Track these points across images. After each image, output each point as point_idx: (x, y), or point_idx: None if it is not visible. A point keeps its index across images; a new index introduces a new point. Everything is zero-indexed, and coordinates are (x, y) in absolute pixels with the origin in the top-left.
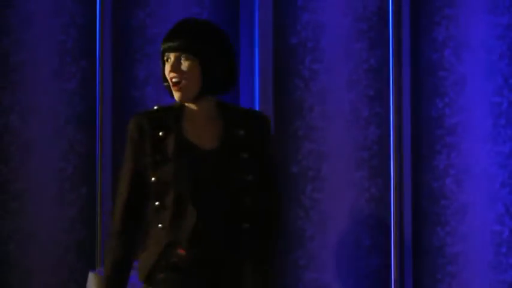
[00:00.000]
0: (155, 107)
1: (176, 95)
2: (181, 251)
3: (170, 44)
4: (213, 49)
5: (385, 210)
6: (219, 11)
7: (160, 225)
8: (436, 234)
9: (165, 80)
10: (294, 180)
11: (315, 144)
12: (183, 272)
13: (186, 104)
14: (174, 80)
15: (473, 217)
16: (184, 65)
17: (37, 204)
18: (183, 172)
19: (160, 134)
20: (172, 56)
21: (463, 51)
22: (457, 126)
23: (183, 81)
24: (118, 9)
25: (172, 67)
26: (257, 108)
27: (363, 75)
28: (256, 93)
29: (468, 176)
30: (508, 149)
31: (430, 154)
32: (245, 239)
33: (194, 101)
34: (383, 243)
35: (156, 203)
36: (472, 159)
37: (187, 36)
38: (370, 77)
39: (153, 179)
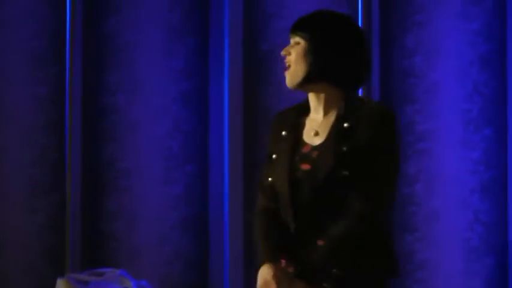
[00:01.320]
0: (294, 105)
1: (286, 80)
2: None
3: (291, 29)
4: (324, 35)
5: None
6: (190, 18)
7: None
8: (404, 240)
9: None
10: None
11: None
12: None
13: (310, 97)
14: (285, 63)
15: (442, 224)
16: (294, 48)
17: (4, 211)
18: (282, 171)
19: (283, 133)
20: (292, 41)
21: (434, 58)
22: (428, 133)
23: (291, 66)
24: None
25: (284, 49)
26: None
27: None
28: (225, 100)
29: (438, 182)
30: (478, 154)
31: (402, 160)
32: (337, 229)
33: (307, 89)
34: None
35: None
36: (442, 166)
37: (303, 21)
38: None
39: (269, 179)
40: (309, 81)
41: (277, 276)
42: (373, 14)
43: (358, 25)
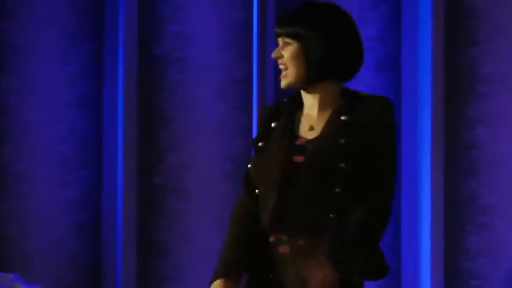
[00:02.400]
0: (285, 98)
1: (281, 82)
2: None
3: (276, 29)
4: (315, 31)
5: None
6: (86, 22)
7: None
8: None
9: None
10: (157, 191)
11: (179, 155)
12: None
13: (304, 93)
14: (280, 66)
15: None
16: (286, 49)
17: None
18: (274, 161)
19: (273, 125)
20: (280, 41)
21: None
22: None
23: (285, 68)
24: None
25: (274, 52)
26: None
27: (229, 86)
28: (120, 103)
29: None
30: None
31: None
32: (330, 229)
33: (307, 88)
34: None
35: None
36: None
37: (287, 19)
38: (236, 88)
39: (249, 165)
40: (310, 81)
41: None
42: (268, 19)
43: (344, 12)
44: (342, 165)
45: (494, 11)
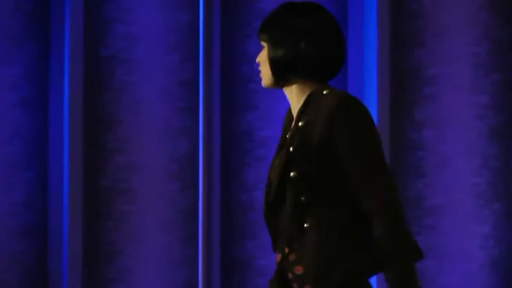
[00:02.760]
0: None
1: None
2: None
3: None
4: (279, 31)
5: (194, 222)
6: (31, 24)
7: None
8: (244, 247)
9: None
10: (104, 192)
11: (126, 157)
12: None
13: (287, 95)
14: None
15: None
16: (262, 52)
17: None
18: (269, 173)
19: (282, 131)
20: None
21: None
22: (267, 139)
23: (261, 70)
24: None
25: (258, 57)
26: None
27: (175, 87)
28: (65, 104)
29: None
30: None
31: (240, 167)
32: (308, 238)
33: (282, 88)
34: (192, 255)
35: None
36: None
37: (261, 25)
38: (182, 89)
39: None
40: (277, 82)
41: None
42: (214, 20)
43: (324, 14)
44: (293, 174)
45: (440, 13)
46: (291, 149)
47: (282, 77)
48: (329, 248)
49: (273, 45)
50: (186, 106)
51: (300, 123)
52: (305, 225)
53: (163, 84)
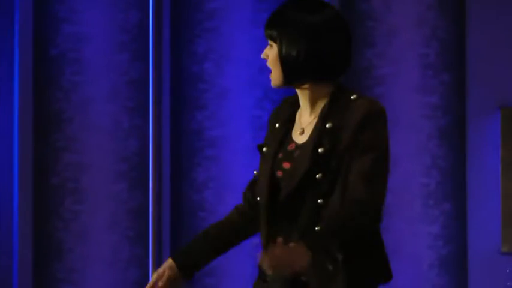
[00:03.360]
0: (289, 97)
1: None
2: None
3: (264, 30)
4: (290, 32)
5: (144, 222)
6: None
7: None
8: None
9: None
10: (53, 191)
11: (75, 156)
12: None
13: (298, 93)
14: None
15: None
16: (270, 51)
17: None
18: (265, 167)
19: (277, 125)
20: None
21: (224, 64)
22: (217, 139)
23: (272, 70)
24: None
25: (263, 53)
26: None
27: (124, 87)
28: (15, 103)
29: (227, 188)
30: None
31: (190, 166)
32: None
33: (298, 88)
34: (141, 255)
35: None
36: (231, 172)
37: (269, 21)
38: (131, 88)
39: (255, 172)
40: (289, 82)
41: (161, 275)
42: (164, 20)
43: (331, 10)
44: (319, 176)
45: (389, 14)
46: (320, 150)
47: (293, 77)
48: (334, 254)
49: (285, 45)
50: (136, 105)
51: (327, 125)
52: (316, 228)
53: (112, 83)
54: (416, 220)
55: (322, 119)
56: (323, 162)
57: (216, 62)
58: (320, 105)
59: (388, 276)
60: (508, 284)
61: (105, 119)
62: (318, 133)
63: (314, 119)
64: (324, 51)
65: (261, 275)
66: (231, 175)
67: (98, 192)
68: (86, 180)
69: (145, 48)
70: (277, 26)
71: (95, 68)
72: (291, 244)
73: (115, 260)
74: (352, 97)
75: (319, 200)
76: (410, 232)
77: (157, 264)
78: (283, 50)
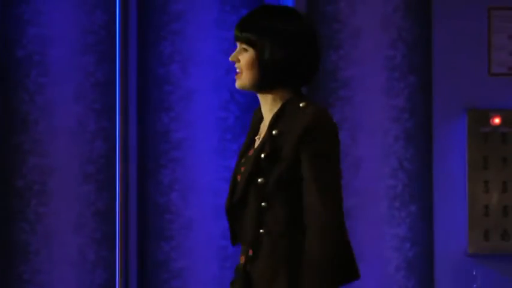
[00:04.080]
0: None
1: (236, 83)
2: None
3: (235, 32)
4: (270, 38)
5: (110, 224)
6: None
7: None
8: (161, 249)
9: None
10: (19, 194)
11: (40, 158)
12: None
13: (260, 98)
14: (237, 69)
15: (198, 232)
16: (242, 54)
17: None
18: (232, 177)
19: (249, 131)
20: (238, 45)
21: (190, 66)
22: (183, 141)
23: (241, 72)
24: None
25: (232, 56)
26: None
27: (90, 89)
28: None
29: (193, 190)
30: (234, 163)
31: (156, 169)
32: (263, 244)
33: (260, 92)
34: (108, 257)
35: None
36: (197, 174)
37: (244, 25)
38: (97, 90)
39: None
40: (263, 87)
41: None
42: (130, 21)
43: (305, 18)
44: (260, 180)
45: (355, 16)
46: (262, 155)
47: (268, 83)
48: (278, 255)
49: (266, 50)
50: (102, 107)
51: (273, 132)
52: (260, 230)
53: (78, 85)
54: (383, 222)
55: (270, 125)
56: (264, 167)
57: (182, 63)
58: (275, 109)
59: (355, 275)
60: (475, 285)
61: (71, 121)
62: (264, 139)
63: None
64: (301, 59)
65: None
66: (197, 177)
67: (64, 194)
68: (52, 183)
69: (111, 50)
70: (257, 31)
71: (61, 70)
72: None
73: (81, 261)
74: (301, 105)
75: (262, 203)
76: (377, 234)
77: (124, 266)
78: (265, 55)
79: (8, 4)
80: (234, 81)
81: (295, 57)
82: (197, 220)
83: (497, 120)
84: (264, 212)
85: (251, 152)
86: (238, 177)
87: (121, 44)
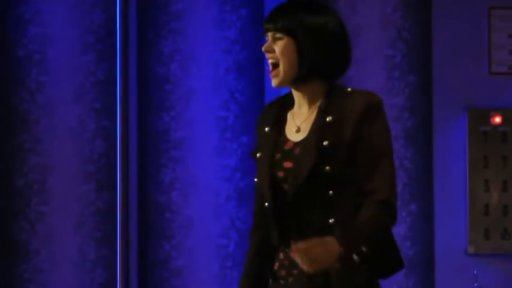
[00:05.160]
0: (278, 98)
1: (272, 81)
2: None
3: (266, 24)
4: (309, 28)
5: (111, 223)
6: None
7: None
8: (161, 248)
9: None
10: (19, 193)
11: (41, 157)
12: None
13: (293, 92)
14: (270, 61)
15: (198, 231)
16: (277, 44)
17: None
18: (264, 170)
19: (266, 129)
20: (269, 36)
21: (190, 65)
22: (183, 140)
23: (279, 62)
24: None
25: (266, 45)
26: None
27: (90, 88)
28: None
29: (194, 189)
30: (234, 162)
31: (156, 167)
32: (336, 235)
33: (297, 87)
34: (108, 256)
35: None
36: (197, 173)
37: (278, 15)
38: (97, 89)
39: (255, 179)
40: (300, 80)
41: None
42: (130, 21)
43: (334, 10)
44: (328, 168)
45: (354, 15)
46: (325, 143)
47: (306, 76)
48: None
49: (302, 42)
50: (102, 106)
51: (327, 119)
52: (330, 220)
53: (79, 84)
54: None
55: (321, 113)
56: (329, 154)
57: (182, 63)
58: (316, 102)
59: (400, 265)
60: (475, 285)
61: (72, 120)
62: (320, 127)
63: (310, 115)
64: (336, 52)
65: (276, 277)
66: (197, 176)
67: (65, 193)
68: (53, 182)
69: (111, 49)
70: (294, 20)
71: (61, 69)
72: (327, 238)
73: (82, 261)
74: (348, 89)
75: (330, 192)
76: None
77: (124, 265)
78: (304, 43)
79: (9, 3)
80: (234, 80)
81: (332, 48)
82: (197, 219)
83: (497, 119)
84: (332, 202)
85: (289, 146)
86: (280, 174)
87: (121, 43)
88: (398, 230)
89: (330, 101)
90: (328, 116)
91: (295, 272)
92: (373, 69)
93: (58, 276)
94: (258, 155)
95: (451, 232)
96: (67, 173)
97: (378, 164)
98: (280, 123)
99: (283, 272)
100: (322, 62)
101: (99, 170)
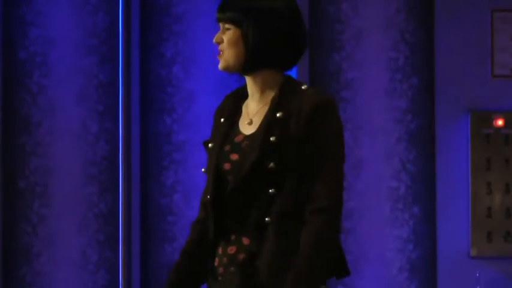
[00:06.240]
0: (236, 88)
1: (219, 64)
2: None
3: (217, 14)
4: (255, 16)
5: (113, 225)
6: None
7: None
8: (163, 250)
9: None
10: (21, 195)
11: (43, 160)
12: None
13: (247, 81)
14: (219, 51)
15: None
16: (226, 34)
17: None
18: (211, 162)
19: (222, 120)
20: (221, 26)
21: (192, 67)
22: (185, 142)
23: (224, 52)
24: None
25: (215, 37)
26: None
27: (93, 90)
28: None
29: (196, 192)
30: None
31: (158, 170)
32: (268, 233)
33: (247, 75)
34: (111, 258)
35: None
36: (199, 176)
37: (227, 4)
38: (100, 92)
39: (203, 170)
40: (248, 68)
41: None
42: (132, 23)
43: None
44: (272, 164)
45: (357, 17)
46: (272, 139)
47: (254, 62)
48: (286, 244)
49: (252, 27)
50: (105, 109)
51: (277, 114)
52: (266, 219)
53: (81, 87)
54: (386, 224)
55: (272, 108)
56: (274, 151)
57: (184, 65)
58: (269, 94)
59: (344, 271)
60: (478, 287)
61: (74, 122)
62: (269, 122)
63: (262, 108)
64: (286, 40)
65: (215, 274)
66: (199, 179)
67: (67, 195)
68: (55, 184)
69: (114, 52)
70: (240, 9)
71: (64, 72)
72: None
73: (84, 263)
74: (302, 87)
75: (270, 190)
76: (380, 236)
77: (127, 267)
78: (249, 33)
79: (10, 5)
80: (236, 81)
81: (280, 36)
82: None
83: (500, 122)
84: (271, 200)
85: (239, 138)
86: (226, 166)
87: (124, 46)
88: (401, 232)
89: (283, 96)
90: (279, 111)
91: (232, 269)
92: (376, 72)
93: (60, 279)
94: (210, 145)
95: (454, 235)
96: (69, 175)
97: (322, 167)
98: (235, 114)
99: (221, 269)
100: (269, 52)
101: (102, 172)
